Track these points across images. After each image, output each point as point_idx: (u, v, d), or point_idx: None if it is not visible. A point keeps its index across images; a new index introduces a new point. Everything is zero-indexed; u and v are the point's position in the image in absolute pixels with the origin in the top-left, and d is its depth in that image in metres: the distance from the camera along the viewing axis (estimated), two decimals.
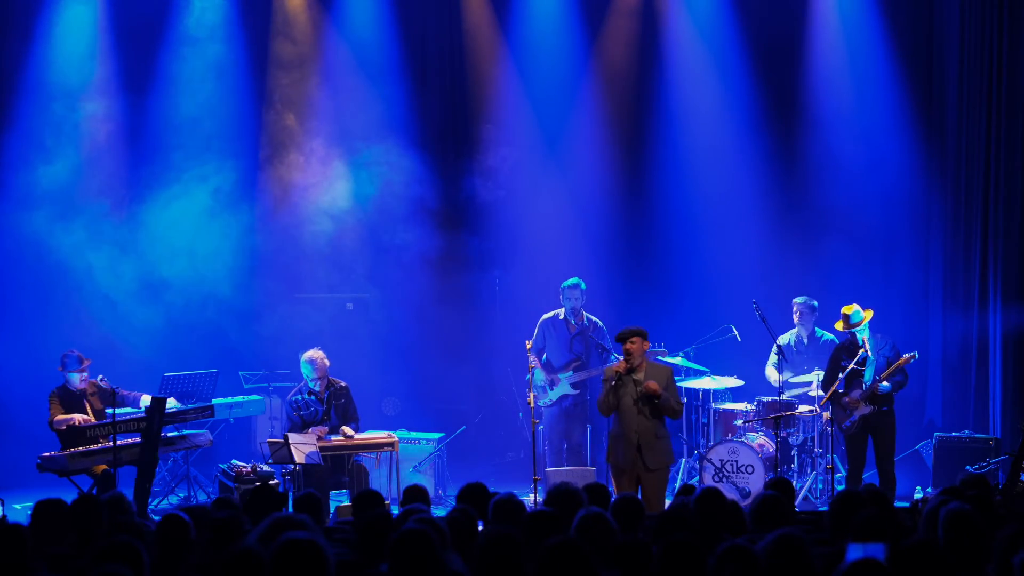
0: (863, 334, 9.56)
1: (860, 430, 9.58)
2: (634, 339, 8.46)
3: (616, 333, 8.70)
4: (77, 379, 9.50)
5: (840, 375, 9.53)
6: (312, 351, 9.82)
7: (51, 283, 11.26)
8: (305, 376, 9.79)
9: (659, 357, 10.25)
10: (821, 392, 9.89)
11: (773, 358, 10.54)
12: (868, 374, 9.51)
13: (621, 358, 8.53)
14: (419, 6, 12.34)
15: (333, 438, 9.65)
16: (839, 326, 9.74)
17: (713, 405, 10.52)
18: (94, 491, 9.22)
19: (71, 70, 11.58)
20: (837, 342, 10.44)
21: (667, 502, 8.25)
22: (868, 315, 9.58)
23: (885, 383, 9.47)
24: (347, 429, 9.72)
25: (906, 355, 9.49)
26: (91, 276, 11.31)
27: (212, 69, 11.87)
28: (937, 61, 11.64)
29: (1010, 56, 11.01)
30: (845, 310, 9.63)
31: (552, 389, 10.34)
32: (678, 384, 10.62)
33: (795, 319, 10.69)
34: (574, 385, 10.35)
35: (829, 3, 11.85)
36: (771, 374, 10.50)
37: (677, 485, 10.13)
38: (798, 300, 10.69)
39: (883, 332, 9.84)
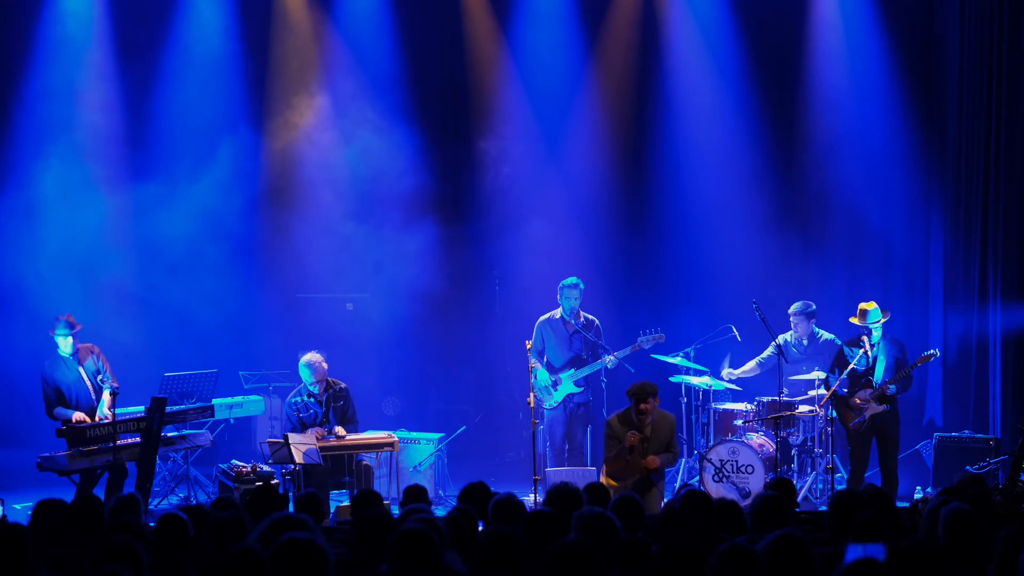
0: (878, 334, 9.55)
1: (867, 429, 9.58)
2: (650, 400, 8.65)
3: (628, 388, 8.84)
4: (68, 344, 9.43)
5: (839, 375, 9.53)
6: (310, 355, 9.79)
7: (52, 282, 11.24)
8: (304, 380, 9.77)
9: (657, 343, 10.21)
10: (824, 391, 9.89)
11: (765, 353, 10.56)
12: (878, 374, 9.51)
13: (632, 418, 8.69)
14: (419, 6, 12.34)
15: (328, 439, 9.64)
16: (855, 320, 9.72)
17: (713, 405, 10.52)
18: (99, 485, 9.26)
19: (68, 62, 11.59)
20: (838, 342, 10.45)
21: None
22: (885, 316, 9.60)
23: (893, 386, 9.48)
24: (339, 430, 9.71)
25: (927, 352, 9.51)
26: (92, 273, 11.31)
27: (209, 61, 11.87)
28: (937, 60, 11.65)
29: (1010, 56, 11.01)
30: (864, 306, 9.64)
31: (556, 390, 10.33)
32: (677, 381, 10.69)
33: (792, 325, 10.65)
34: (577, 383, 10.34)
35: (830, 4, 11.85)
36: (747, 365, 10.62)
37: (677, 485, 10.14)
38: (793, 310, 10.62)
39: (888, 333, 9.81)
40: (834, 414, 9.58)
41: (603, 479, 8.96)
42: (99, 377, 9.46)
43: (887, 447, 9.59)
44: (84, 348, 9.56)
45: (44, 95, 11.52)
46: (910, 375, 9.62)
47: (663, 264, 12.14)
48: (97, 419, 9.41)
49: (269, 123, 12.10)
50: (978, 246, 11.23)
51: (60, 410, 9.37)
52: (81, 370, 9.49)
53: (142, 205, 11.64)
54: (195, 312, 11.46)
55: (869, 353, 9.52)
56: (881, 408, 9.52)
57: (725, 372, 10.66)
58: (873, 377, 9.53)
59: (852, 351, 9.66)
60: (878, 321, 9.56)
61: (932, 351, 9.55)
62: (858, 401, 9.55)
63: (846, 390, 9.60)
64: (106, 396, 9.40)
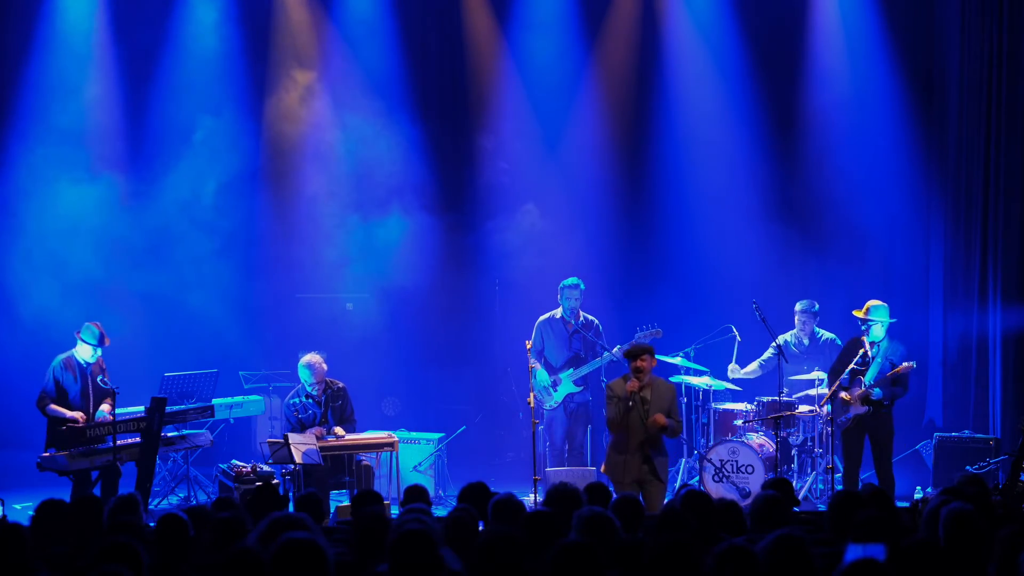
0: (876, 332, 9.51)
1: (856, 428, 9.56)
2: (644, 356, 8.55)
3: (625, 350, 8.76)
4: (89, 353, 9.41)
5: (843, 372, 9.52)
6: (310, 355, 9.79)
7: (54, 281, 11.22)
8: (303, 381, 9.77)
9: (655, 337, 10.17)
10: (824, 391, 9.88)
11: (766, 355, 10.57)
12: (870, 374, 9.50)
13: (631, 377, 8.58)
14: (419, 6, 12.34)
15: (328, 439, 9.64)
16: (859, 313, 9.68)
17: (713, 405, 10.51)
18: (97, 487, 9.24)
19: (70, 62, 11.57)
20: (839, 342, 10.44)
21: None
22: (887, 320, 9.55)
23: (877, 389, 9.44)
24: (338, 430, 9.71)
25: (905, 363, 9.46)
26: (96, 274, 11.30)
27: (206, 56, 11.84)
28: (937, 60, 11.65)
29: (1010, 55, 11.01)
30: (872, 302, 9.60)
31: (556, 390, 10.33)
32: (677, 382, 10.67)
33: (796, 323, 10.69)
34: (577, 383, 10.34)
35: (829, 3, 11.85)
36: (750, 366, 10.63)
37: (677, 485, 10.13)
38: (799, 306, 10.67)
39: (896, 339, 9.79)
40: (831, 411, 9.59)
41: (604, 468, 8.86)
42: (99, 378, 9.45)
43: (878, 451, 9.55)
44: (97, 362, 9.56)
45: (38, 90, 11.51)
46: (898, 386, 9.54)
47: (663, 264, 12.14)
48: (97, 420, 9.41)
49: (267, 120, 12.08)
50: (978, 246, 11.22)
51: (54, 408, 9.35)
52: (89, 383, 9.47)
53: (140, 203, 11.65)
54: (195, 312, 11.46)
55: (868, 352, 9.50)
56: (864, 409, 9.49)
57: (732, 368, 10.66)
58: (864, 377, 9.51)
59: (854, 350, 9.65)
60: (875, 320, 9.52)
61: (909, 363, 9.50)
62: (846, 397, 9.53)
63: (845, 386, 9.56)
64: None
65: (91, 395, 9.48)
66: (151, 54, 11.80)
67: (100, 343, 9.42)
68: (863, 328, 9.61)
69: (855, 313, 9.75)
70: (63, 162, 11.37)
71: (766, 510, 5.70)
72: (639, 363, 8.57)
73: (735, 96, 12.00)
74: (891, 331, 9.65)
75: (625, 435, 8.57)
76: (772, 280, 11.63)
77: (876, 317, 9.54)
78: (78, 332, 9.42)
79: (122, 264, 11.49)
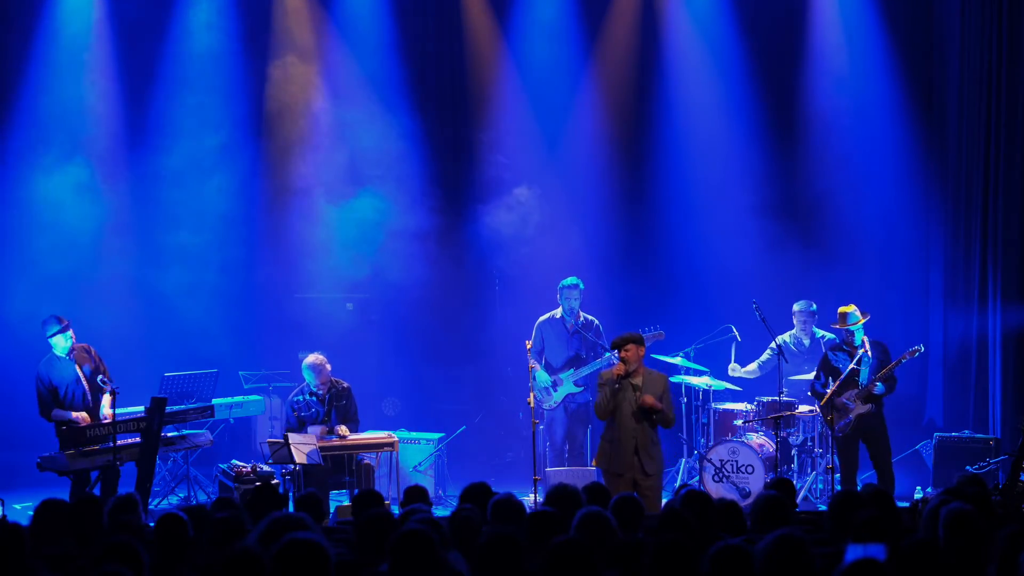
0: (861, 334, 9.55)
1: (853, 432, 9.55)
2: (628, 346, 8.53)
3: (611, 341, 8.75)
4: (61, 343, 9.37)
5: (834, 377, 9.50)
6: (313, 357, 9.78)
7: (54, 280, 11.22)
8: (307, 381, 9.78)
9: (658, 339, 10.18)
10: (810, 394, 9.87)
11: (765, 356, 10.57)
12: (864, 374, 9.50)
13: (618, 362, 8.57)
14: (419, 7, 12.34)
15: (330, 439, 9.65)
16: (837, 325, 9.72)
17: (713, 405, 10.52)
18: (97, 487, 9.24)
19: (69, 59, 11.57)
20: (838, 340, 10.45)
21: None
22: (865, 317, 9.57)
23: (880, 384, 9.45)
24: (342, 429, 9.71)
25: (913, 348, 9.45)
26: (95, 273, 11.29)
27: (204, 54, 11.83)
28: (937, 61, 11.66)
29: (1010, 56, 11.02)
30: (843, 309, 9.62)
31: (556, 391, 10.33)
32: (677, 382, 10.68)
33: (795, 323, 10.70)
34: (577, 383, 10.34)
35: (829, 3, 11.85)
36: (749, 366, 10.65)
37: (677, 485, 10.13)
38: (797, 307, 10.70)
39: (880, 332, 9.81)
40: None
41: (595, 461, 8.84)
42: (99, 378, 9.44)
43: (876, 446, 9.55)
44: (79, 348, 9.51)
45: (38, 91, 11.52)
46: (894, 375, 9.56)
47: (663, 264, 12.14)
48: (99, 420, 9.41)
49: (266, 116, 12.07)
50: (978, 246, 11.23)
51: (58, 412, 9.34)
52: (79, 371, 9.45)
53: (140, 202, 11.66)
54: (194, 311, 11.44)
55: (870, 353, 9.50)
56: (866, 408, 9.49)
57: (732, 367, 10.66)
58: (859, 378, 9.51)
59: (836, 355, 9.65)
60: (858, 322, 9.54)
61: (917, 347, 9.50)
62: (843, 401, 9.52)
63: (829, 390, 9.54)
64: (106, 397, 9.39)
65: (84, 382, 9.45)
66: (148, 47, 11.77)
67: (62, 326, 9.36)
68: (846, 334, 9.61)
69: (834, 326, 9.75)
70: (53, 156, 11.34)
71: (767, 510, 5.69)
72: (623, 353, 8.56)
73: (735, 96, 12.01)
74: (866, 331, 9.66)
75: (613, 423, 8.56)
76: (772, 280, 11.62)
77: (854, 320, 9.55)
78: (46, 335, 9.38)
79: (120, 262, 11.49)
